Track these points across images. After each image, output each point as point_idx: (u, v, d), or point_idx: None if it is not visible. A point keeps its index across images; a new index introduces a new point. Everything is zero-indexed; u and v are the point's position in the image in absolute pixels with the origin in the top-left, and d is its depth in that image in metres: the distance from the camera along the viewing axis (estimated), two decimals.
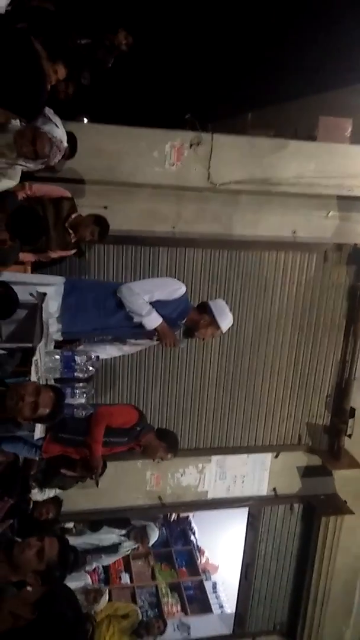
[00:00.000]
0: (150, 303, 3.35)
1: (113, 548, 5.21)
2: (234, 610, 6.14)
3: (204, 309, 3.55)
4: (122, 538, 5.26)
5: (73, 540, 5.01)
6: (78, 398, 3.39)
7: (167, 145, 4.23)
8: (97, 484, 3.72)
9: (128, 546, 5.32)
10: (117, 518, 5.37)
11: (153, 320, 3.35)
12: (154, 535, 5.40)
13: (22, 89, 2.99)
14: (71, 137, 3.73)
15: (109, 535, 5.17)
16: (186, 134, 4.27)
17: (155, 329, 3.41)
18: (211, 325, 3.50)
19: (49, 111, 3.45)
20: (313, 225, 4.86)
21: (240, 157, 4.40)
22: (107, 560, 5.34)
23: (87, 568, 5.13)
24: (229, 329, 3.72)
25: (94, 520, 5.36)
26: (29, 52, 2.74)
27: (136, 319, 3.35)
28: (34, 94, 3.14)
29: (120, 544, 5.24)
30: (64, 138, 3.55)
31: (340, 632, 6.09)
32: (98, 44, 3.33)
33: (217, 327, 3.50)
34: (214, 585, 7.23)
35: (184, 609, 6.79)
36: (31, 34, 2.51)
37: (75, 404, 3.37)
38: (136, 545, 5.43)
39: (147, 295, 3.32)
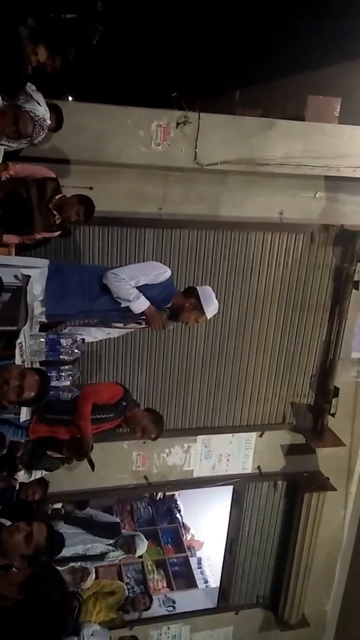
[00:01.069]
0: (136, 287, 3.33)
1: (100, 557, 5.24)
2: (218, 585, 6.27)
3: (191, 293, 3.53)
4: (110, 547, 5.27)
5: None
6: (63, 380, 3.39)
7: (154, 125, 4.15)
8: (92, 467, 3.69)
9: (115, 556, 5.32)
10: (107, 525, 5.39)
11: (141, 304, 3.34)
12: (142, 546, 5.36)
13: (2, 65, 2.93)
14: (56, 109, 3.65)
15: (95, 544, 5.18)
16: (173, 113, 4.19)
17: (143, 313, 3.39)
18: (196, 310, 3.47)
19: (31, 88, 3.36)
20: (300, 206, 4.85)
21: (228, 137, 4.34)
22: (92, 566, 5.36)
23: (72, 563, 5.15)
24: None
25: (81, 500, 5.39)
26: (9, 27, 2.67)
27: (124, 304, 3.34)
28: (14, 69, 3.08)
29: (107, 553, 5.26)
30: (47, 116, 3.47)
31: (322, 603, 6.28)
32: (83, 20, 3.25)
33: (202, 312, 3.48)
34: (199, 561, 7.35)
35: (169, 585, 6.90)
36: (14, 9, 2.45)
37: (61, 387, 3.37)
38: (124, 555, 5.45)
39: (133, 281, 3.30)
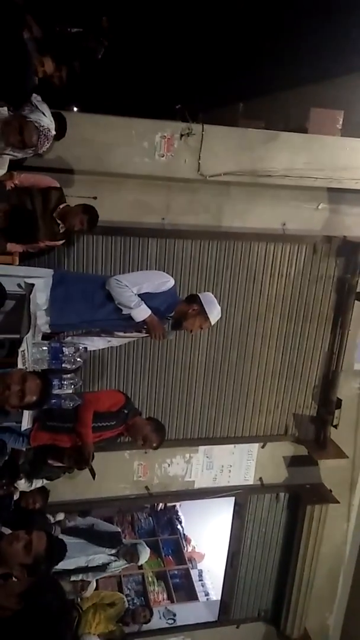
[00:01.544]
0: (139, 295, 3.34)
1: (102, 567, 5.22)
2: (219, 598, 6.21)
3: (193, 299, 3.55)
4: (112, 558, 5.25)
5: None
6: (65, 389, 3.39)
7: (157, 136, 4.18)
8: (93, 476, 3.67)
9: (117, 566, 5.29)
10: (108, 535, 5.36)
11: (142, 313, 3.35)
12: (144, 554, 5.32)
13: (9, 76, 2.97)
14: (60, 118, 3.68)
15: (98, 555, 5.15)
16: (176, 125, 4.23)
17: (143, 321, 3.40)
18: (199, 315, 3.47)
19: (36, 99, 3.41)
20: (303, 217, 4.87)
21: (231, 149, 4.37)
22: (94, 577, 5.33)
23: (73, 578, 5.12)
24: (217, 321, 3.71)
25: (82, 510, 5.37)
26: (16, 39, 2.72)
27: (125, 312, 3.35)
28: (21, 80, 3.12)
29: (109, 563, 5.23)
30: (52, 126, 3.51)
31: (324, 617, 6.21)
32: (89, 33, 3.30)
33: (206, 317, 3.47)
34: (200, 574, 7.30)
35: (170, 597, 6.84)
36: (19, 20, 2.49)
37: (63, 395, 3.37)
38: (126, 565, 5.42)
39: (136, 288, 3.31)
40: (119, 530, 5.77)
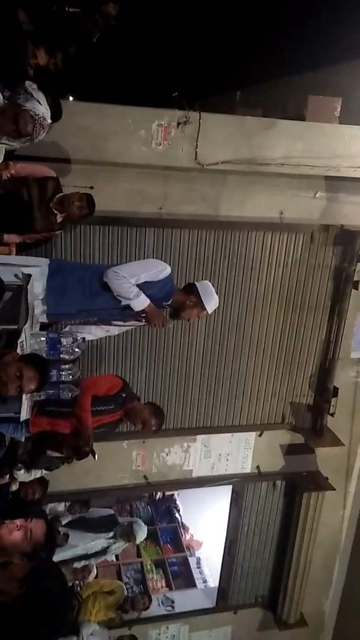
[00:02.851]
0: (137, 285, 3.34)
1: (101, 552, 5.25)
2: (217, 585, 6.27)
3: (190, 290, 3.55)
4: (110, 541, 5.28)
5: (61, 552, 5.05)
6: (64, 379, 3.39)
7: (154, 124, 4.16)
8: (94, 456, 3.68)
9: (117, 547, 5.31)
10: (103, 520, 5.36)
11: (141, 302, 3.35)
12: (141, 532, 5.33)
13: (2, 54, 2.91)
14: (54, 101, 3.62)
15: (96, 542, 5.17)
16: (173, 113, 4.20)
17: (143, 310, 3.40)
18: (197, 307, 3.50)
19: (31, 86, 3.36)
20: (300, 206, 4.85)
21: (228, 137, 4.35)
22: (95, 561, 5.36)
23: (75, 565, 5.15)
24: (214, 310, 3.72)
25: (83, 500, 5.39)
26: (8, 18, 2.67)
27: (124, 302, 3.35)
28: (13, 58, 3.07)
29: (108, 547, 5.26)
30: (48, 115, 3.47)
31: (320, 603, 6.28)
32: (87, 15, 3.24)
33: (203, 308, 3.50)
34: (198, 561, 7.35)
35: (168, 585, 6.90)
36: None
37: (61, 385, 3.38)
38: (125, 545, 5.44)
39: (134, 278, 3.31)
40: (113, 512, 5.79)
